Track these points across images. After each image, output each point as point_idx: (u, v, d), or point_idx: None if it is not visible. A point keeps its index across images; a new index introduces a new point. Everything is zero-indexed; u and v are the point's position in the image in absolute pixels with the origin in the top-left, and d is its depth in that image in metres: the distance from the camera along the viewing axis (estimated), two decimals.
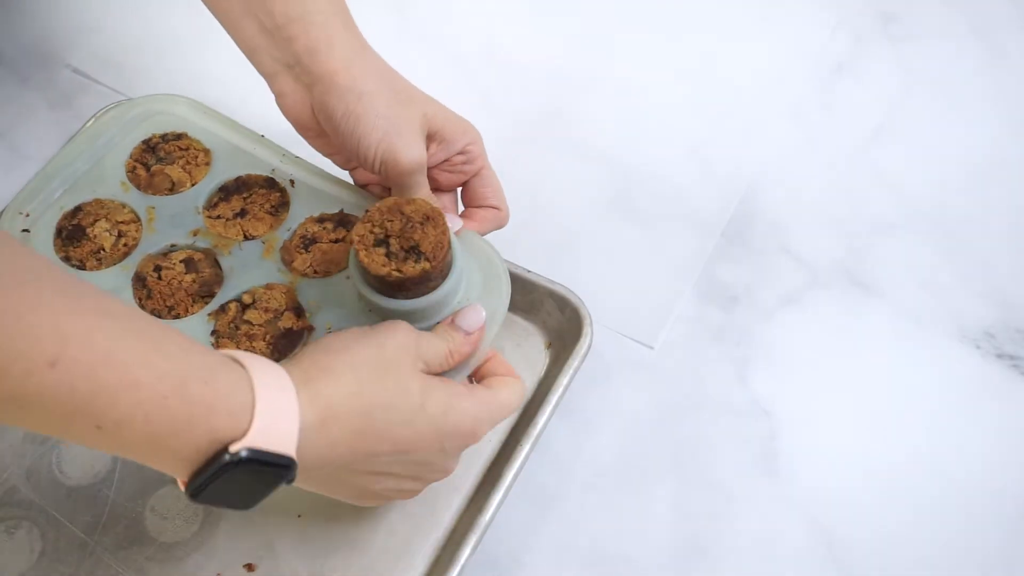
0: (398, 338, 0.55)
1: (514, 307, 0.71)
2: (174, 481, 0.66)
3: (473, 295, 0.60)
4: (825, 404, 0.69)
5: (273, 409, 0.48)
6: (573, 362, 0.66)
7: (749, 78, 0.82)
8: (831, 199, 0.77)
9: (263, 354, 0.64)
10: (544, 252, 0.75)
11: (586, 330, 0.67)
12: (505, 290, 0.60)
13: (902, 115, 0.80)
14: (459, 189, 0.67)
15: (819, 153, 0.79)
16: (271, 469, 0.47)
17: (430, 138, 0.63)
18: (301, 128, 0.64)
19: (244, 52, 0.62)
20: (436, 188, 0.66)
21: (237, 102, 0.80)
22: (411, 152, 0.60)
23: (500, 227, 0.66)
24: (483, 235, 0.64)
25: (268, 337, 0.64)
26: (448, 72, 0.84)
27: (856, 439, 0.68)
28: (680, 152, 0.79)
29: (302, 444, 0.49)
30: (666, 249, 0.75)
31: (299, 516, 0.65)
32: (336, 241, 0.66)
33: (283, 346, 0.64)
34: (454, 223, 0.62)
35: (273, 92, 0.63)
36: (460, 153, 0.65)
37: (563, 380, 0.66)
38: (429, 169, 0.65)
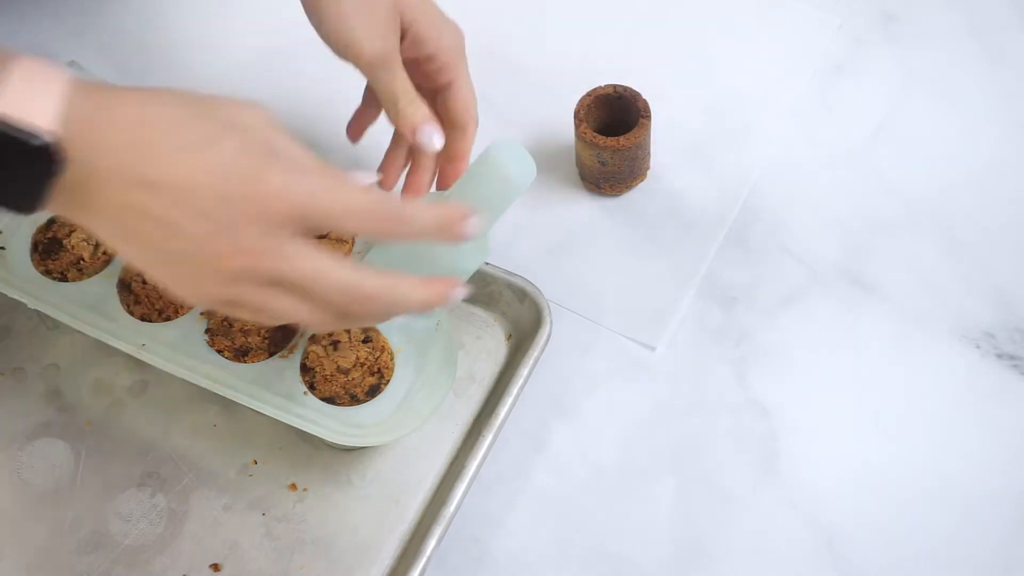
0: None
1: (473, 299, 0.71)
2: (137, 484, 0.66)
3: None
4: (825, 404, 0.70)
5: (30, 77, 0.44)
6: (533, 352, 0.67)
7: (749, 78, 0.82)
8: (831, 199, 0.77)
9: (259, 349, 0.64)
10: (544, 252, 0.75)
11: (545, 319, 0.68)
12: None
13: (902, 115, 0.80)
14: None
15: (819, 153, 0.79)
16: (25, 147, 0.43)
17: (403, 31, 0.60)
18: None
19: None
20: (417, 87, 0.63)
21: None
22: (373, 41, 0.58)
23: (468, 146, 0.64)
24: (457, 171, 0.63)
25: (263, 332, 0.64)
26: None
27: (856, 439, 0.68)
28: (680, 152, 0.79)
29: (68, 133, 0.44)
30: (668, 251, 0.75)
31: (263, 514, 0.65)
32: (321, 236, 0.65)
33: (279, 339, 0.64)
34: (435, 140, 0.60)
35: None
36: (428, 58, 0.62)
37: (523, 371, 0.66)
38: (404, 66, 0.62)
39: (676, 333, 0.72)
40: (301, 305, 0.48)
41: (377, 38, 0.58)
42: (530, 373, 0.66)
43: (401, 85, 0.60)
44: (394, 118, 0.61)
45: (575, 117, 0.73)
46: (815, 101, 0.82)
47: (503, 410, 0.65)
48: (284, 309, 0.48)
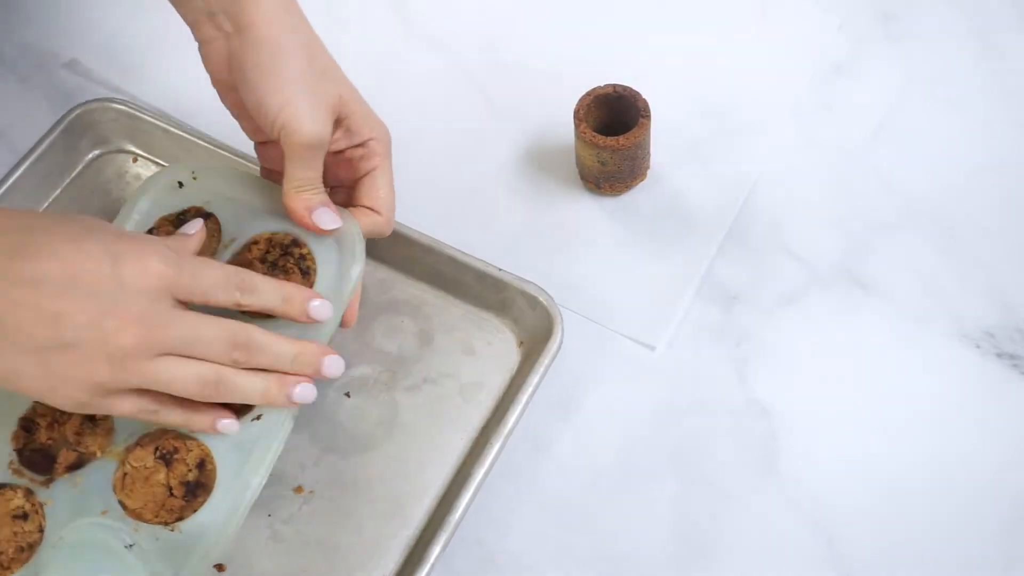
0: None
1: (486, 306, 0.71)
2: None
3: (330, 271, 0.62)
4: (825, 404, 0.70)
5: None
6: (544, 360, 0.67)
7: (749, 78, 0.82)
8: (831, 199, 0.77)
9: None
10: (544, 252, 0.75)
11: (557, 328, 0.68)
12: (359, 253, 0.62)
13: (902, 115, 0.80)
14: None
15: (819, 153, 0.79)
16: None
17: (337, 122, 0.61)
18: (216, 81, 0.62)
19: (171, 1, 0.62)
20: (329, 179, 0.64)
21: None
22: (316, 125, 0.58)
23: (379, 235, 0.64)
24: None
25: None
26: (448, 72, 0.84)
27: (856, 438, 0.68)
28: (680, 152, 0.79)
29: None
30: (668, 251, 0.75)
31: (269, 516, 0.65)
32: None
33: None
34: (328, 222, 0.60)
35: (196, 40, 0.62)
36: (360, 146, 0.63)
37: (533, 379, 0.66)
38: (327, 155, 0.62)
39: (676, 333, 0.72)
40: (188, 367, 0.54)
41: (320, 124, 0.59)
42: (540, 381, 0.66)
43: (316, 175, 0.61)
44: (291, 200, 0.61)
45: (575, 117, 0.73)
46: (815, 101, 0.82)
47: (512, 418, 0.65)
48: (172, 375, 0.53)
